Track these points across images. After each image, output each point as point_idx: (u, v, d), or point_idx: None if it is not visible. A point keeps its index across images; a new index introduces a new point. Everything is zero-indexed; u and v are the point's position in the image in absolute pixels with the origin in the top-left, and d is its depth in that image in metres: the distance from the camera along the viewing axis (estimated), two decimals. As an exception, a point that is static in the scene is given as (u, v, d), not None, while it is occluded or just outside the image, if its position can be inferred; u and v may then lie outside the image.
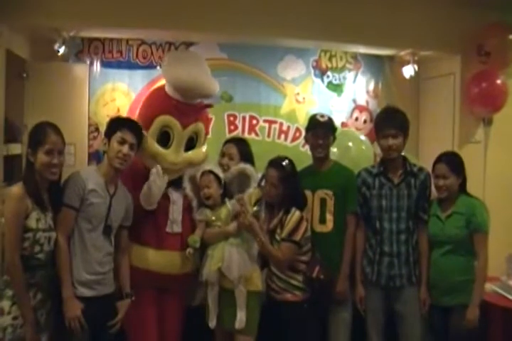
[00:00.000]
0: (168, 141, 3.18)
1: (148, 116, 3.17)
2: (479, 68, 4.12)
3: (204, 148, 3.37)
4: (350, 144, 4.16)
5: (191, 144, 3.27)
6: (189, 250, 3.07)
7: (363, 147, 4.24)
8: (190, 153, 3.25)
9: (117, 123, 2.94)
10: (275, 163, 3.23)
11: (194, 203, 3.21)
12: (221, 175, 3.20)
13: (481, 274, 3.16)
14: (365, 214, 3.36)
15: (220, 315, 3.07)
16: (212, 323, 3.06)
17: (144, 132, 3.08)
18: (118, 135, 2.87)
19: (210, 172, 3.18)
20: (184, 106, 3.16)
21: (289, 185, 3.16)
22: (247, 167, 3.22)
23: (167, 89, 3.20)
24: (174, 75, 3.17)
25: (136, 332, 3.09)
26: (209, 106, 3.35)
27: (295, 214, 3.13)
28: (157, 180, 3.03)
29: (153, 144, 3.13)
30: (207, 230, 3.13)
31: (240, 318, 2.98)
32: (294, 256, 3.13)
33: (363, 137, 4.39)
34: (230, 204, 3.15)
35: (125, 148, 2.86)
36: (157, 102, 3.24)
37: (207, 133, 3.41)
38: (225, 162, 3.38)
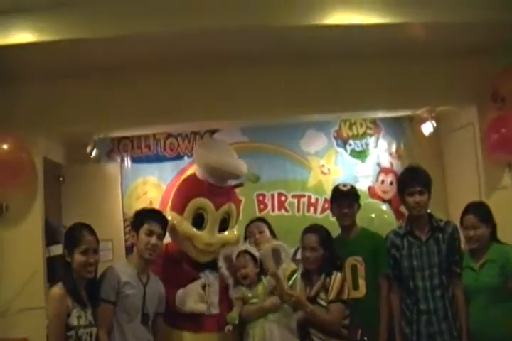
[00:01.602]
0: (201, 223, 3.29)
1: (182, 200, 3.32)
2: (496, 114, 4.07)
3: (236, 230, 3.46)
4: (373, 215, 4.32)
5: (224, 225, 3.37)
6: (228, 327, 3.05)
7: (385, 216, 4.40)
8: (224, 234, 3.35)
9: (143, 216, 3.06)
10: (310, 228, 3.33)
11: (230, 281, 3.23)
12: (256, 254, 3.23)
13: None
14: (397, 275, 3.32)
15: None
16: None
17: (178, 215, 3.22)
18: (145, 227, 2.98)
19: (246, 252, 3.22)
20: (216, 188, 3.32)
21: (327, 247, 3.21)
22: (280, 243, 3.28)
23: (198, 174, 3.39)
24: (206, 161, 3.36)
25: None
26: (239, 185, 3.52)
27: (338, 275, 3.15)
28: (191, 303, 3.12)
29: (188, 227, 3.25)
30: (245, 307, 3.13)
31: None
32: (343, 317, 3.11)
33: (384, 207, 4.48)
34: (265, 281, 3.16)
35: (153, 239, 2.97)
36: (190, 187, 3.42)
37: (238, 214, 3.51)
38: (257, 236, 3.48)
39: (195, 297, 3.10)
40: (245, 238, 3.55)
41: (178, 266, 3.26)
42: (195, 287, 3.14)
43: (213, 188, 3.32)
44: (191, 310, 3.09)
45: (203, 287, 3.17)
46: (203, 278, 3.25)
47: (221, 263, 3.25)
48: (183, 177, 3.84)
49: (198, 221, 3.29)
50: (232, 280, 3.23)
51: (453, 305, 3.20)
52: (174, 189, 3.72)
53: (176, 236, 3.29)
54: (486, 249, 3.17)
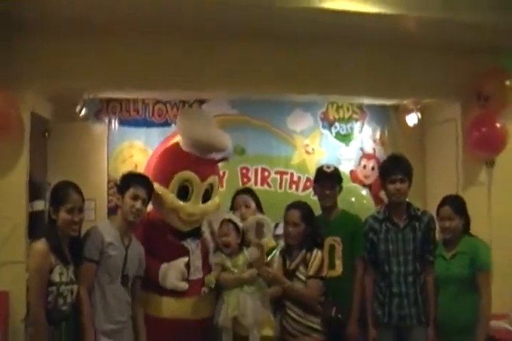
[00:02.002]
0: (186, 195, 3.36)
1: (168, 173, 3.36)
2: (479, 113, 4.25)
3: (217, 199, 3.55)
4: (353, 199, 4.46)
5: (206, 196, 3.45)
6: (204, 289, 3.17)
7: (364, 201, 4.56)
8: (206, 204, 3.44)
9: (129, 180, 3.11)
10: (294, 204, 3.41)
11: (211, 246, 3.32)
12: (240, 224, 3.32)
13: (484, 312, 3.20)
14: (373, 258, 3.46)
15: None
16: None
17: (162, 187, 3.27)
18: (131, 191, 3.03)
19: (230, 221, 3.30)
20: (202, 160, 3.40)
21: (309, 223, 3.31)
22: (264, 217, 3.38)
23: (183, 146, 3.42)
24: (192, 133, 3.40)
25: None
26: (225, 159, 3.60)
27: (318, 253, 3.26)
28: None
29: (173, 199, 3.32)
30: (222, 275, 3.22)
31: None
32: (321, 292, 3.23)
33: (364, 192, 4.63)
34: (246, 252, 3.26)
35: (138, 204, 3.02)
36: (176, 159, 3.45)
37: (220, 186, 3.59)
38: (243, 211, 3.53)
39: (178, 274, 3.21)
40: (231, 208, 3.63)
41: (161, 235, 3.34)
42: (178, 264, 3.23)
43: (199, 161, 3.40)
44: (172, 287, 3.20)
45: (187, 265, 3.26)
46: (185, 245, 3.35)
47: (205, 228, 3.33)
48: (165, 147, 3.85)
49: (183, 192, 3.36)
50: (213, 245, 3.32)
51: (423, 292, 3.36)
52: (156, 159, 3.74)
53: (161, 207, 3.36)
54: (459, 241, 3.33)
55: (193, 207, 3.35)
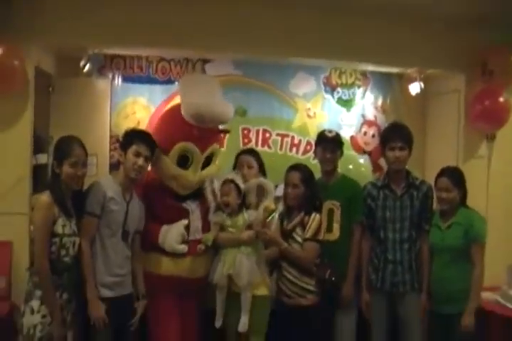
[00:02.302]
0: (186, 162, 3.33)
1: (168, 142, 3.29)
2: (483, 86, 4.27)
3: (217, 162, 3.53)
4: (351, 167, 4.52)
5: (207, 162, 3.43)
6: (200, 246, 3.23)
7: (362, 169, 4.62)
8: (205, 170, 3.41)
9: (132, 136, 3.12)
10: (295, 166, 3.45)
11: (212, 205, 3.34)
12: (242, 185, 3.32)
13: (476, 282, 3.29)
14: (370, 224, 3.53)
15: (227, 317, 3.22)
16: (217, 323, 3.21)
17: (163, 155, 3.27)
18: (133, 148, 3.05)
19: (232, 181, 3.30)
20: (202, 133, 3.31)
21: (308, 186, 3.35)
22: (267, 181, 3.36)
23: (184, 114, 3.30)
24: (192, 106, 3.29)
25: (158, 331, 3.24)
26: (226, 131, 3.60)
27: (316, 216, 3.31)
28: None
29: (173, 167, 3.29)
30: (221, 234, 3.27)
31: (244, 322, 3.13)
32: (317, 255, 3.30)
33: (362, 160, 4.70)
34: (246, 214, 3.29)
35: (140, 161, 3.05)
36: (176, 129, 3.33)
37: (221, 146, 3.60)
38: (246, 172, 3.52)
39: (177, 237, 3.22)
40: (234, 168, 3.63)
41: (161, 197, 3.33)
42: (178, 227, 3.25)
43: (200, 132, 3.30)
44: (171, 250, 3.22)
45: (186, 227, 3.28)
46: (185, 206, 3.36)
47: (207, 184, 3.34)
48: (166, 110, 3.76)
49: (182, 161, 3.32)
50: (214, 204, 3.34)
51: (418, 259, 3.44)
52: (157, 121, 3.67)
53: (161, 172, 3.34)
54: (455, 212, 3.39)
55: (192, 175, 3.34)
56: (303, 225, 3.31)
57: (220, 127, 3.55)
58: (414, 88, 4.59)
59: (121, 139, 3.24)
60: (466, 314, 3.24)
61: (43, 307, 2.75)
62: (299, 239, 3.30)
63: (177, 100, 3.76)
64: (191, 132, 3.28)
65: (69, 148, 2.86)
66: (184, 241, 3.25)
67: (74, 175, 2.85)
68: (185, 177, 3.31)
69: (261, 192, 3.33)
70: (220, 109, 3.39)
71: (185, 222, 3.28)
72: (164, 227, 3.25)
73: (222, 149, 4.35)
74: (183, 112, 3.30)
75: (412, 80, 4.61)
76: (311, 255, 3.29)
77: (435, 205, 3.55)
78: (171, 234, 3.23)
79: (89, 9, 3.85)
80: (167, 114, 3.58)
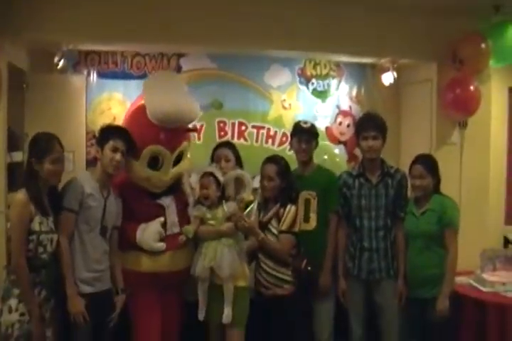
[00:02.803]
0: (157, 163, 3.29)
1: (137, 145, 3.22)
2: (454, 75, 4.33)
3: (188, 156, 3.51)
4: (326, 157, 4.56)
5: (177, 159, 3.40)
6: (182, 237, 3.23)
7: (337, 159, 4.68)
8: (177, 167, 3.38)
9: (108, 132, 3.12)
10: (271, 158, 3.47)
11: (191, 199, 3.36)
12: (221, 178, 3.33)
13: (450, 267, 3.36)
14: (346, 212, 3.57)
15: (209, 309, 3.24)
16: (201, 315, 3.24)
17: (133, 159, 3.22)
18: (110, 143, 3.05)
19: (211, 174, 3.31)
20: (169, 135, 3.27)
21: (284, 178, 3.38)
22: (244, 173, 3.37)
23: (150, 116, 3.25)
24: (157, 109, 3.24)
25: (141, 324, 3.25)
26: (194, 130, 3.56)
27: (292, 208, 3.34)
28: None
29: (143, 170, 3.26)
30: (201, 227, 3.27)
31: (227, 313, 3.16)
32: (292, 247, 3.34)
33: (337, 150, 4.74)
34: (225, 206, 3.30)
35: (118, 156, 3.05)
36: (143, 132, 3.25)
37: (198, 139, 3.60)
38: (223, 165, 3.54)
39: (155, 236, 3.23)
40: (211, 161, 3.63)
41: (135, 195, 3.32)
42: (154, 225, 3.25)
43: (167, 133, 3.26)
44: (150, 249, 3.23)
45: (163, 224, 3.29)
46: (160, 202, 3.35)
47: (184, 180, 3.38)
48: (131, 110, 3.75)
49: (153, 162, 3.29)
50: (192, 198, 3.36)
51: (393, 247, 3.49)
52: (124, 121, 3.69)
53: (132, 175, 3.31)
54: (429, 199, 3.46)
55: (164, 175, 3.33)
56: (278, 217, 3.34)
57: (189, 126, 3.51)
58: (388, 78, 4.64)
59: (97, 135, 3.24)
60: (440, 298, 3.31)
61: (21, 305, 2.75)
62: (275, 231, 3.33)
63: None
64: (158, 135, 3.24)
65: (49, 145, 2.86)
66: (162, 239, 3.25)
67: (55, 172, 2.86)
68: (158, 178, 3.31)
69: (239, 184, 3.35)
70: (186, 109, 3.36)
71: (161, 219, 3.28)
72: (141, 226, 3.24)
73: (198, 142, 4.41)
74: (148, 115, 3.25)
75: (385, 70, 4.65)
76: (286, 247, 3.32)
77: (410, 193, 3.60)
78: (148, 233, 3.22)
79: (62, 4, 3.84)
80: (133, 116, 3.52)
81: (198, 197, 3.35)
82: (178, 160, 3.40)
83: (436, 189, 3.50)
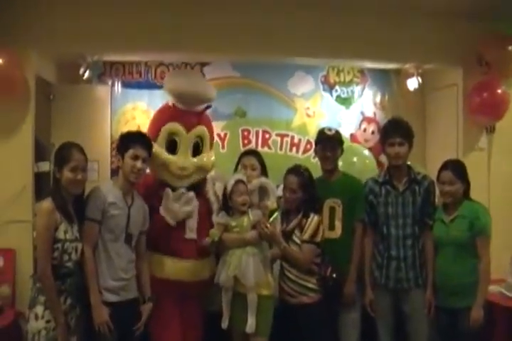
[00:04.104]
0: (175, 148, 3.38)
1: (155, 128, 3.40)
2: (481, 78, 4.25)
3: (212, 155, 3.56)
4: (355, 159, 4.42)
5: (197, 150, 3.47)
6: (207, 239, 3.23)
7: (367, 161, 4.51)
8: (198, 158, 3.44)
9: (128, 140, 3.12)
10: (294, 170, 3.43)
11: (215, 206, 3.34)
12: (248, 186, 3.33)
13: (484, 275, 3.26)
14: (373, 220, 3.51)
15: (233, 318, 3.21)
16: (224, 324, 3.20)
17: (153, 143, 3.28)
18: (130, 152, 3.05)
19: (243, 181, 3.30)
20: (186, 112, 3.41)
21: (307, 190, 3.35)
22: (269, 182, 3.37)
23: (170, 102, 3.47)
24: (174, 85, 3.44)
25: (160, 335, 3.25)
26: (208, 107, 3.56)
27: (314, 218, 3.31)
28: (169, 205, 3.27)
29: (162, 152, 3.34)
30: (225, 234, 3.26)
31: (251, 323, 3.12)
32: (314, 256, 3.31)
33: (366, 152, 4.61)
34: (251, 214, 3.28)
35: (139, 163, 3.05)
36: (161, 114, 3.50)
37: (212, 140, 3.61)
38: (249, 173, 3.50)
39: (182, 201, 3.29)
40: (236, 169, 3.61)
41: (159, 197, 3.34)
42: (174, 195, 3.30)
43: (183, 112, 3.41)
44: (184, 214, 3.29)
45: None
46: None
47: (209, 187, 3.36)
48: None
49: (172, 147, 3.39)
50: (216, 205, 3.34)
51: (422, 255, 3.41)
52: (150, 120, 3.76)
53: (152, 164, 3.35)
54: (459, 205, 3.37)
55: (182, 159, 3.37)
56: (301, 227, 3.32)
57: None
58: (412, 83, 4.59)
59: (117, 144, 3.26)
60: (474, 308, 3.22)
61: (47, 312, 2.76)
62: (298, 241, 3.31)
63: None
64: (174, 113, 3.39)
65: (68, 154, 2.88)
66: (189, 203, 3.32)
67: (73, 180, 2.86)
68: (175, 162, 3.34)
69: (263, 192, 3.34)
70: (202, 88, 3.52)
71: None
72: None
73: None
74: (167, 92, 3.47)
75: (410, 76, 4.61)
76: (307, 257, 3.29)
77: (438, 199, 3.53)
78: (176, 202, 3.28)
79: (87, 16, 3.91)
80: (157, 110, 3.70)
81: (222, 204, 3.33)
82: (197, 151, 3.45)
83: (465, 195, 3.42)
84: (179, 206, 3.30)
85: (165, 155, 3.35)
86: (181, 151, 3.38)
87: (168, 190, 3.31)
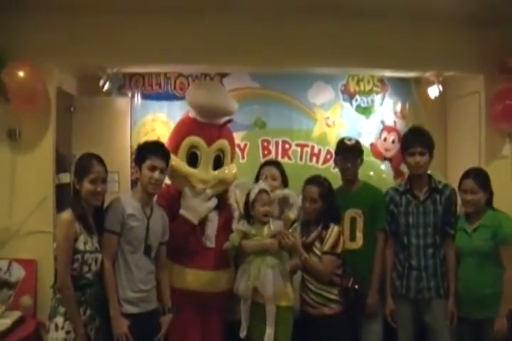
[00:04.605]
0: (196, 161, 3.41)
1: (176, 141, 3.44)
2: (503, 85, 4.18)
3: (234, 167, 3.58)
4: (372, 173, 4.43)
5: (219, 164, 3.49)
6: (227, 244, 3.23)
7: (383, 175, 4.52)
8: (219, 171, 3.47)
9: (145, 151, 3.12)
10: (313, 179, 3.42)
11: (236, 214, 3.35)
12: (271, 196, 3.32)
13: (508, 285, 3.19)
14: (394, 230, 3.48)
15: (252, 328, 3.19)
16: (242, 334, 3.19)
17: (173, 156, 3.30)
18: (148, 163, 3.05)
19: (266, 191, 3.29)
20: (207, 125, 3.44)
21: (327, 200, 3.33)
22: (292, 194, 3.36)
23: (190, 114, 3.50)
24: (195, 99, 3.48)
25: None
26: (229, 121, 3.58)
27: (334, 229, 3.29)
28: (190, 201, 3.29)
29: (183, 166, 3.37)
30: (244, 241, 3.24)
31: (269, 334, 3.10)
32: (335, 268, 3.28)
33: (383, 166, 4.60)
34: (272, 224, 3.27)
35: (156, 174, 3.05)
36: (182, 127, 3.53)
37: (233, 153, 3.64)
38: (269, 183, 3.49)
39: (202, 197, 3.33)
40: (257, 179, 3.59)
41: (179, 207, 3.37)
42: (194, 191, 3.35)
43: (204, 126, 3.44)
44: (205, 210, 3.34)
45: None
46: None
47: (231, 194, 3.38)
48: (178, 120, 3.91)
49: (193, 160, 3.41)
50: (237, 212, 3.35)
51: (443, 265, 3.37)
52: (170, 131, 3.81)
53: (173, 176, 3.40)
54: (481, 214, 3.33)
55: (203, 173, 3.39)
56: (321, 238, 3.30)
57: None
58: (433, 91, 4.53)
59: (134, 155, 3.28)
60: (499, 318, 3.17)
61: (67, 323, 2.77)
62: (318, 253, 3.29)
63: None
64: (195, 126, 3.42)
65: (88, 165, 2.90)
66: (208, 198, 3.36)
67: (94, 192, 2.88)
68: (196, 175, 3.36)
69: (284, 203, 3.33)
70: (223, 101, 3.55)
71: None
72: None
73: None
74: (190, 112, 3.48)
75: (431, 84, 4.55)
76: (328, 268, 3.27)
77: (459, 209, 3.48)
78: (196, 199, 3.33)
79: (106, 29, 3.95)
80: (177, 122, 3.76)
81: (244, 212, 3.33)
82: (219, 164, 3.47)
83: (488, 204, 3.37)
84: (199, 201, 3.32)
85: (186, 168, 3.37)
86: (202, 164, 3.41)
87: (186, 189, 3.33)
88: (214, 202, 3.41)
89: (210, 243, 3.36)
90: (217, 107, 3.47)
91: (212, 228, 3.39)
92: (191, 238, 3.33)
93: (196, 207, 3.32)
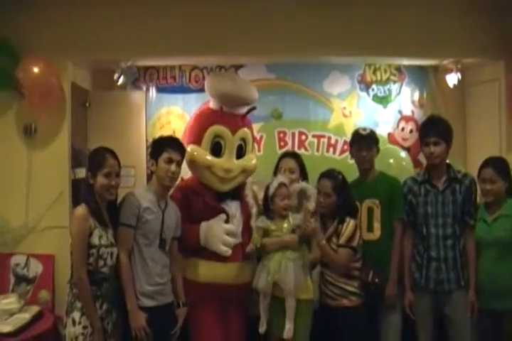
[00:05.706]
0: (219, 152, 3.41)
1: (199, 131, 3.43)
2: (525, 72, 4.11)
3: (254, 157, 3.58)
4: (392, 161, 4.30)
5: (241, 153, 3.49)
6: (251, 246, 3.22)
7: (404, 163, 4.38)
8: (242, 160, 3.47)
9: (161, 144, 3.14)
10: (327, 173, 3.40)
11: (254, 210, 3.32)
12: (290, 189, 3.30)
13: None
14: (412, 220, 3.43)
15: (271, 323, 3.17)
16: (262, 329, 3.17)
17: (195, 146, 3.31)
18: (164, 156, 3.06)
19: (285, 185, 3.28)
20: (230, 114, 3.45)
21: (342, 194, 3.31)
22: (309, 186, 3.32)
23: (211, 104, 3.50)
24: (219, 87, 3.48)
25: (201, 338, 3.26)
26: (252, 109, 3.57)
27: (350, 222, 3.28)
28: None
29: (206, 155, 3.37)
30: (265, 239, 3.23)
31: (289, 328, 3.08)
32: (350, 261, 3.26)
33: (403, 154, 4.48)
34: (291, 218, 3.26)
35: (173, 167, 3.05)
36: (205, 117, 3.51)
37: (253, 141, 3.63)
38: (288, 176, 3.47)
39: (220, 236, 3.26)
40: (275, 170, 3.58)
41: (200, 200, 3.36)
42: (217, 224, 3.28)
43: (228, 115, 3.44)
44: (216, 250, 3.25)
45: (226, 221, 3.31)
46: (225, 208, 3.38)
47: (248, 191, 3.34)
48: (196, 111, 3.90)
49: (216, 149, 3.41)
50: (255, 209, 3.32)
51: (463, 256, 3.32)
52: (188, 123, 3.81)
53: (196, 167, 3.41)
54: (501, 204, 3.27)
55: (227, 162, 3.39)
56: (337, 233, 3.29)
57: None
58: (452, 79, 4.43)
59: (150, 148, 3.29)
60: None
61: (83, 318, 2.78)
62: (335, 247, 3.28)
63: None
64: (219, 116, 3.42)
65: (102, 159, 2.91)
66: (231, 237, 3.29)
67: (107, 185, 2.89)
68: (220, 164, 3.36)
69: (302, 195, 3.30)
70: (247, 89, 3.56)
71: (223, 216, 3.31)
72: (202, 226, 3.28)
73: (259, 153, 4.37)
74: (210, 103, 3.52)
75: (449, 71, 4.46)
76: (343, 261, 3.25)
77: (479, 198, 3.42)
78: (213, 233, 3.25)
79: (120, 22, 3.95)
80: (196, 113, 3.75)
81: (262, 206, 3.30)
82: (240, 154, 3.47)
83: (509, 193, 3.29)
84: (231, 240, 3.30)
85: (210, 157, 3.37)
86: (226, 154, 3.42)
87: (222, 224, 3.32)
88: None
89: (238, 239, 3.36)
90: (240, 95, 3.48)
91: (237, 223, 3.39)
92: None
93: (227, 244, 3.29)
